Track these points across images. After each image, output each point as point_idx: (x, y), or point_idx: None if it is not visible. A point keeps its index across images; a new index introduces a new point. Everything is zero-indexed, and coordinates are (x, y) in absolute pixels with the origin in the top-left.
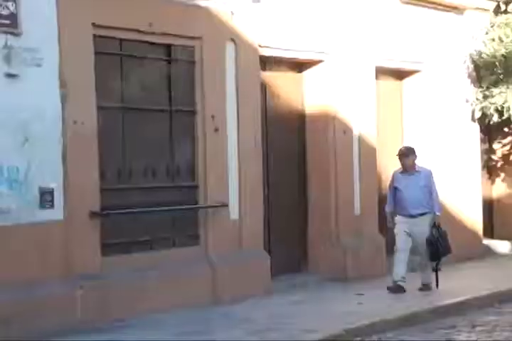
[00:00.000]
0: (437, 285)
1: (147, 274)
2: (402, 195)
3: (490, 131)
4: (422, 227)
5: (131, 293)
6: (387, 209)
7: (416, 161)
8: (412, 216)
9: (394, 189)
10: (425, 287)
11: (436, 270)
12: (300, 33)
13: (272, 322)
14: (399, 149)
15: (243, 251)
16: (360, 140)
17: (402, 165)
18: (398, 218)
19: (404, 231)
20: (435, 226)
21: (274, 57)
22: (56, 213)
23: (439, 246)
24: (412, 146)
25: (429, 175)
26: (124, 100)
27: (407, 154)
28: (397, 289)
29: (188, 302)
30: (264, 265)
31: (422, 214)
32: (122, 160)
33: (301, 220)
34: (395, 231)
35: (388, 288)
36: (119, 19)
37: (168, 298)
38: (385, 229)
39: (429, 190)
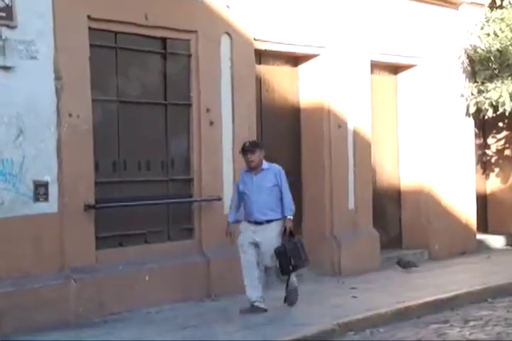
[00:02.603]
0: (285, 300)
1: (141, 267)
2: (248, 197)
3: (484, 126)
4: (270, 235)
5: (126, 287)
6: (230, 217)
7: (263, 158)
8: (258, 223)
9: (239, 192)
10: (292, 292)
11: (287, 285)
12: (296, 27)
13: (265, 316)
14: (242, 144)
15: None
16: (355, 134)
17: (247, 162)
18: (243, 225)
19: (251, 243)
20: (287, 233)
21: (270, 51)
22: (50, 206)
23: (291, 257)
24: (257, 141)
25: (278, 173)
26: (119, 93)
27: (251, 150)
28: (253, 311)
29: (182, 296)
30: None
31: (270, 221)
32: (117, 154)
33: (296, 214)
34: (239, 241)
35: (241, 311)
36: (114, 12)
37: (163, 292)
38: (378, 222)
39: (280, 191)
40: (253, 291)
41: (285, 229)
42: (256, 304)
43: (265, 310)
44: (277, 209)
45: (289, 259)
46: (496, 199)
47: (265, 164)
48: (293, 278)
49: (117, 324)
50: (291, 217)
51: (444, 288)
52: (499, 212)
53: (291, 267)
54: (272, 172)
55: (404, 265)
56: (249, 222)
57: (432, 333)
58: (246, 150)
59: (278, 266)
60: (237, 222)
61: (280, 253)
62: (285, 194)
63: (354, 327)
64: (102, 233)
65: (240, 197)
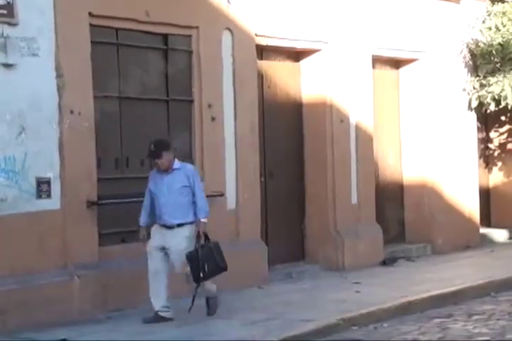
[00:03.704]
0: (190, 309)
1: (145, 264)
2: (158, 198)
3: (487, 120)
4: (181, 240)
5: (129, 283)
6: (141, 220)
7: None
8: (168, 226)
9: (149, 193)
10: (212, 301)
11: (194, 294)
12: (297, 22)
13: (269, 311)
14: (148, 145)
15: (240, 241)
16: (357, 128)
17: (156, 163)
18: (154, 228)
19: (159, 248)
20: (200, 237)
21: (271, 46)
22: (53, 203)
23: (204, 264)
24: (167, 139)
25: (191, 174)
26: (121, 90)
27: (157, 155)
28: (157, 320)
29: (185, 291)
30: (262, 255)
31: (181, 225)
32: (119, 150)
33: (299, 209)
34: (147, 246)
35: (144, 320)
36: (115, 9)
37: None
38: (381, 217)
39: (192, 192)
40: (157, 300)
41: (198, 233)
42: (160, 313)
43: (171, 319)
44: (189, 212)
45: (201, 266)
46: (498, 193)
47: (177, 163)
48: (210, 285)
49: (121, 320)
50: (206, 220)
51: (448, 283)
52: (502, 206)
53: (202, 274)
54: (184, 173)
55: (387, 263)
56: (160, 225)
57: (436, 327)
58: (153, 156)
59: (191, 272)
60: (150, 224)
61: (192, 259)
62: (198, 195)
63: (358, 321)
64: (104, 229)
65: (151, 197)
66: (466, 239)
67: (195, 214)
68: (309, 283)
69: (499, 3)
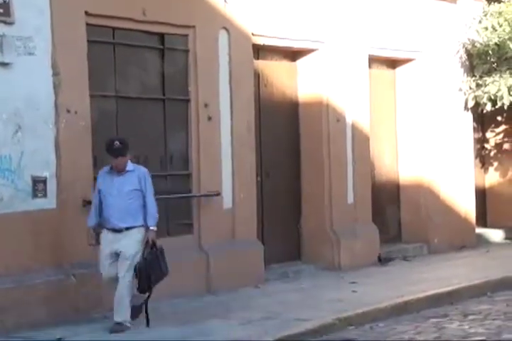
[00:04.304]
0: (148, 323)
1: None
2: (106, 200)
3: (483, 120)
4: (128, 246)
5: None
6: (90, 221)
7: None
8: (116, 230)
9: (98, 192)
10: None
11: (146, 304)
12: (294, 22)
13: (265, 311)
14: (109, 142)
15: (236, 240)
16: (354, 128)
17: (114, 165)
18: (103, 235)
19: (110, 253)
20: (149, 245)
21: (268, 46)
22: (49, 202)
23: (151, 274)
24: (125, 139)
25: (143, 177)
26: (118, 89)
27: (123, 153)
28: (116, 329)
29: (181, 291)
30: (258, 254)
31: (130, 228)
32: None
33: (295, 209)
34: (100, 252)
35: (111, 331)
36: (112, 8)
37: (162, 287)
38: (377, 217)
39: (143, 196)
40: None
41: (147, 241)
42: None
43: (128, 328)
44: (139, 216)
45: (148, 276)
46: (494, 193)
47: (130, 165)
48: (139, 294)
49: None
50: (155, 228)
51: (444, 282)
52: (498, 206)
53: (147, 285)
54: (136, 175)
55: (382, 261)
56: (108, 229)
57: (432, 327)
58: (117, 153)
59: (137, 281)
60: (99, 227)
61: (140, 270)
62: (149, 200)
63: (354, 321)
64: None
65: (99, 198)
66: (462, 239)
67: (145, 218)
68: (305, 283)
69: (495, 3)
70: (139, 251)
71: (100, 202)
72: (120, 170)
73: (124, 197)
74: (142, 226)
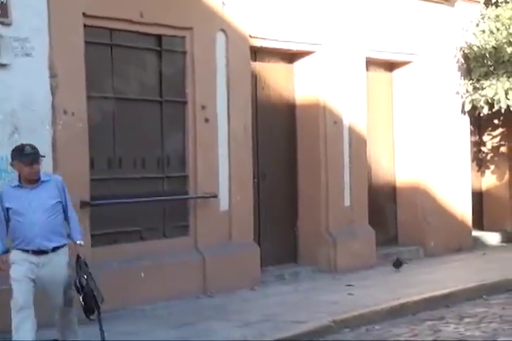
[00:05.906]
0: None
1: (137, 264)
2: (23, 218)
3: (480, 123)
4: (61, 268)
5: (121, 284)
6: None
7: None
8: (42, 251)
9: (7, 212)
10: (71, 333)
11: (100, 320)
12: (291, 24)
13: (261, 313)
14: (21, 146)
15: (233, 243)
16: (351, 130)
17: (27, 174)
18: (16, 255)
19: (29, 278)
20: (80, 262)
21: (265, 48)
22: None
23: (95, 293)
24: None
25: (61, 186)
26: (115, 90)
27: (36, 159)
28: None
29: (178, 293)
30: (254, 256)
31: (56, 248)
32: (112, 151)
33: (292, 211)
34: (12, 276)
35: None
36: (109, 9)
37: (158, 289)
38: (374, 219)
39: (63, 209)
40: (25, 337)
41: (77, 258)
42: None
43: None
44: (63, 233)
45: (93, 296)
46: (491, 196)
47: (44, 175)
48: (74, 318)
49: (113, 321)
50: (82, 242)
51: (440, 285)
52: (494, 209)
53: (97, 301)
54: (54, 185)
55: (397, 265)
56: (26, 251)
57: (427, 330)
58: (31, 159)
59: (84, 304)
60: (7, 251)
61: (82, 288)
62: (71, 212)
63: (350, 324)
64: (97, 230)
65: (5, 218)
66: (458, 242)
67: (68, 234)
68: (302, 285)
69: (493, 7)
70: (69, 273)
71: (5, 222)
72: (33, 182)
73: (47, 213)
74: (66, 244)
